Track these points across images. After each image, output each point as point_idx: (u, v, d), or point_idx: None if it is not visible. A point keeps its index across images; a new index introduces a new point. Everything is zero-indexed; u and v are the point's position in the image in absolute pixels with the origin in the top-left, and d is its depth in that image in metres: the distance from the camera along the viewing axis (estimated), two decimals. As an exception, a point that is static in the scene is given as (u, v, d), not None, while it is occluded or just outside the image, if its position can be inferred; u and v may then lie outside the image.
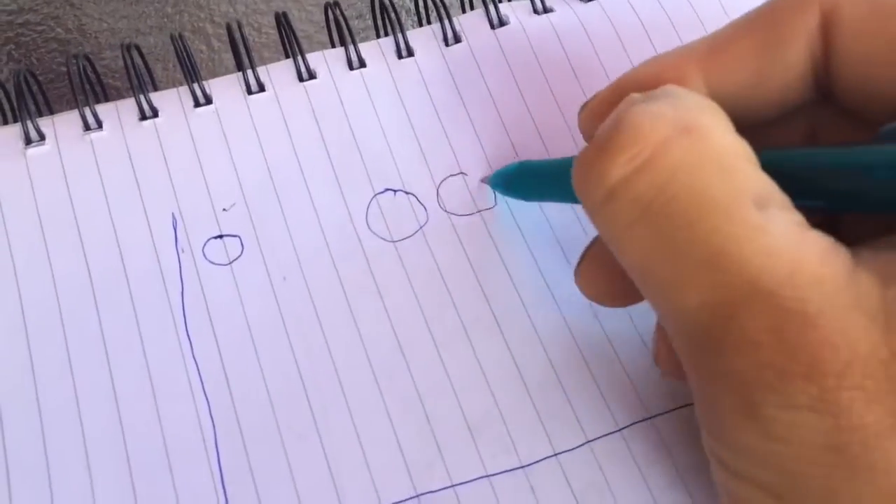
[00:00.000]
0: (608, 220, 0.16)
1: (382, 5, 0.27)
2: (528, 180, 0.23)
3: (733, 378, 0.15)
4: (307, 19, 0.31)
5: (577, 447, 0.22)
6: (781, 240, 0.15)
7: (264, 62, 0.26)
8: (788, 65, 0.18)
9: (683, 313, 0.16)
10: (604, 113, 0.17)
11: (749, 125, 0.17)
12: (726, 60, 0.18)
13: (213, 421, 0.22)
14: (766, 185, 0.15)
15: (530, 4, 0.27)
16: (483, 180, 0.25)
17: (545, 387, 0.22)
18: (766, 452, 0.15)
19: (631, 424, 0.22)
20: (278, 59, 0.26)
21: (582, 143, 0.25)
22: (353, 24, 0.31)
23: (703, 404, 0.17)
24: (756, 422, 0.15)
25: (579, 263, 0.21)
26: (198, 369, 0.22)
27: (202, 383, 0.22)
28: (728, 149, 0.15)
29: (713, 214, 0.15)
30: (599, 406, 0.22)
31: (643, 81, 0.18)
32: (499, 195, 0.25)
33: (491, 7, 0.27)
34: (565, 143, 0.26)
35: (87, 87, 0.25)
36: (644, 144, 0.15)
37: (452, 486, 0.21)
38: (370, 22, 0.28)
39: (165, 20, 0.31)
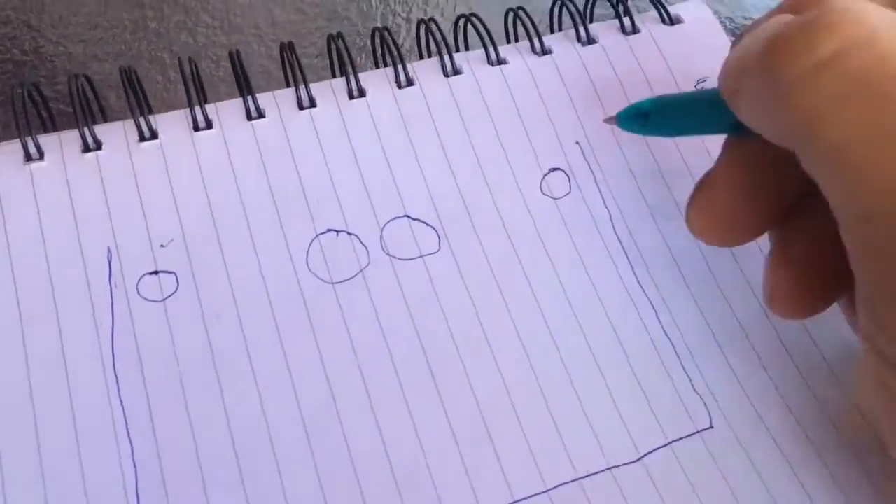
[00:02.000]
0: (811, 93, 0.16)
1: (338, 46, 0.27)
2: (665, 112, 0.23)
3: None
4: (267, 55, 0.31)
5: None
6: None
7: (220, 96, 0.26)
8: None
9: (884, 188, 0.15)
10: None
11: None
12: None
13: (135, 465, 0.21)
14: None
15: (485, 56, 0.27)
16: (608, 119, 0.24)
17: (476, 442, 0.22)
18: None
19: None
20: (234, 94, 0.26)
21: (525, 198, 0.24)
22: (314, 62, 0.31)
23: (877, 294, 0.16)
24: None
25: (691, 200, 0.21)
26: (123, 410, 0.22)
27: (126, 425, 0.21)
28: None
29: None
30: (528, 461, 0.22)
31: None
32: (442, 236, 0.25)
33: (446, 57, 0.27)
34: (512, 193, 0.25)
35: (35, 114, 0.24)
36: (863, 25, 0.16)
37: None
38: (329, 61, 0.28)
39: (123, 47, 0.31)
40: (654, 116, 0.23)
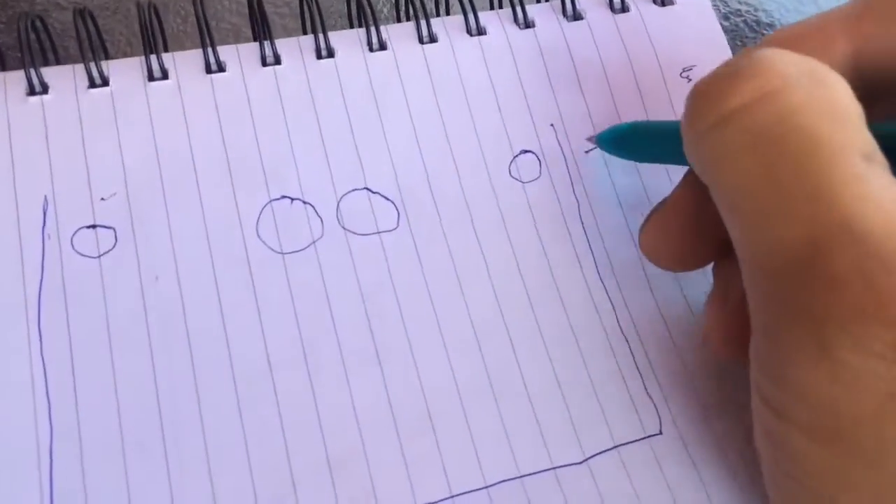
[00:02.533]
0: (717, 144, 0.17)
1: (309, 4, 0.25)
2: (640, 139, 0.23)
3: (810, 315, 0.15)
4: (238, 11, 0.30)
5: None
6: (880, 191, 0.15)
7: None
8: None
9: (774, 243, 0.16)
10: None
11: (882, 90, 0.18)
12: (872, 26, 0.19)
13: (51, 424, 0.20)
14: (872, 145, 0.16)
15: (464, 23, 0.26)
16: (589, 138, 0.25)
17: (417, 431, 0.21)
18: (826, 395, 0.15)
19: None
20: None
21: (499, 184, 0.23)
22: (286, 22, 0.30)
23: (767, 343, 0.17)
24: (823, 363, 0.15)
25: (644, 224, 0.21)
26: (44, 368, 0.20)
27: (46, 383, 0.20)
28: (846, 103, 0.16)
29: (822, 156, 0.15)
30: (470, 456, 0.21)
31: (787, 41, 0.19)
32: (402, 212, 0.23)
33: (422, 21, 0.26)
34: (479, 174, 0.24)
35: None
36: (773, 78, 0.16)
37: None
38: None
39: (89, -5, 0.30)
40: (631, 141, 0.23)
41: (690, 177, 0.20)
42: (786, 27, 0.20)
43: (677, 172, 0.25)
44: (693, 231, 0.20)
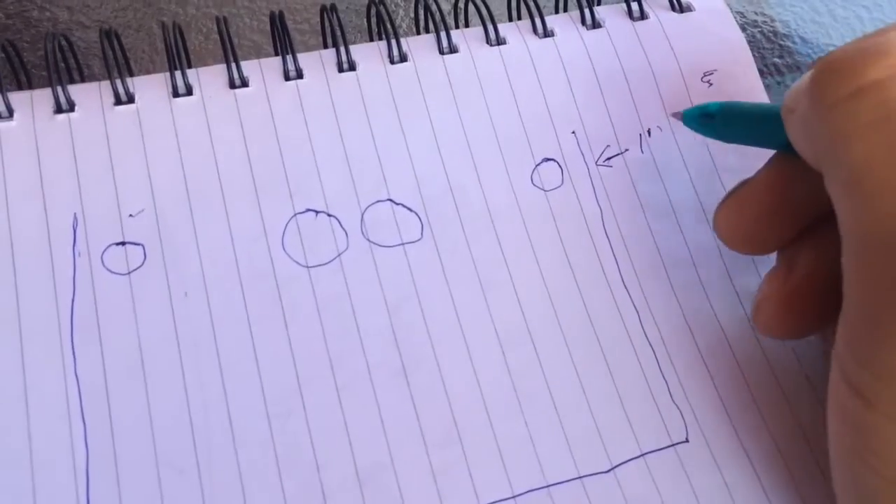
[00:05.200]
0: (846, 116, 0.17)
1: (331, 19, 0.26)
2: (729, 118, 0.23)
3: None
4: (259, 29, 0.30)
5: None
6: None
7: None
8: None
9: (891, 220, 0.16)
10: None
11: None
12: None
13: (86, 446, 0.20)
14: None
15: (483, 34, 0.26)
16: (675, 114, 0.25)
17: (444, 441, 0.21)
18: None
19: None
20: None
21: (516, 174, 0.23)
22: (306, 39, 0.30)
23: (861, 322, 0.16)
24: None
25: (723, 202, 0.21)
26: (78, 388, 0.21)
27: (81, 404, 0.21)
28: None
29: None
30: (497, 466, 0.21)
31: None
32: (425, 223, 0.23)
33: (442, 33, 0.26)
34: (501, 183, 0.24)
35: (13, 75, 0.23)
36: None
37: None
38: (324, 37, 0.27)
39: (110, 14, 0.30)
40: (719, 120, 0.23)
41: (778, 160, 0.20)
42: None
43: (701, 180, 0.25)
44: (774, 214, 0.20)
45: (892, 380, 0.16)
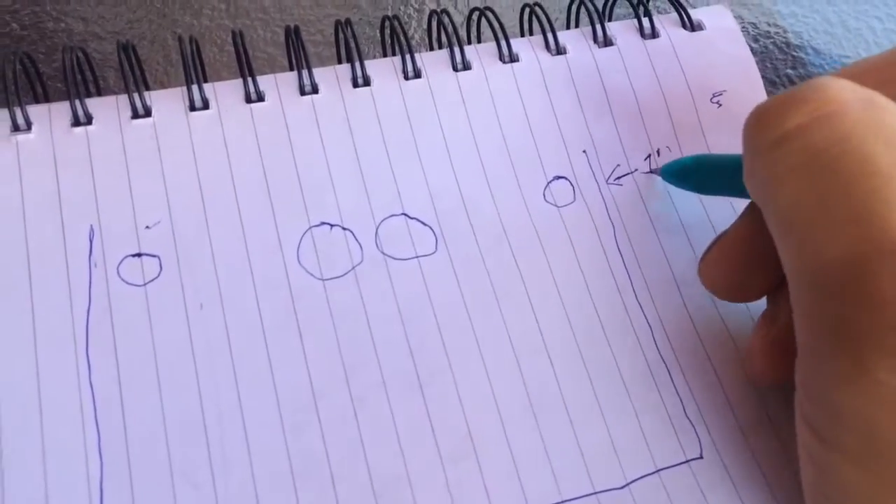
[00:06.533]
0: (773, 162, 0.17)
1: (345, 33, 0.26)
2: (703, 172, 0.24)
3: (850, 333, 0.15)
4: (272, 41, 0.30)
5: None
6: None
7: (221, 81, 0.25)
8: None
9: (822, 261, 0.16)
10: None
11: None
12: None
13: (100, 456, 0.20)
14: None
15: (496, 50, 0.26)
16: (654, 171, 0.25)
17: (457, 457, 0.21)
18: (864, 417, 0.15)
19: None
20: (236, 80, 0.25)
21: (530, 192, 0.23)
22: (320, 51, 0.30)
23: (810, 363, 0.17)
24: (861, 382, 0.15)
25: (705, 255, 0.22)
26: (93, 397, 0.21)
27: (95, 413, 0.21)
28: None
29: (874, 178, 0.16)
30: (512, 480, 0.21)
31: (852, 74, 0.19)
32: (439, 237, 0.24)
33: (455, 49, 0.26)
34: (514, 198, 0.25)
35: (29, 88, 0.24)
36: (828, 101, 0.17)
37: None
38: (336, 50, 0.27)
39: (125, 26, 0.30)
40: (694, 173, 0.24)
41: (752, 208, 0.21)
42: (857, 61, 0.21)
43: (710, 198, 0.25)
44: (752, 262, 0.21)
45: (844, 420, 0.16)
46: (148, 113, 0.24)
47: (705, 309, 0.24)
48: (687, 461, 0.21)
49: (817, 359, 0.16)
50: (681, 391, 0.22)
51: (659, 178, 0.25)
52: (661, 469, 0.21)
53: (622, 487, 0.21)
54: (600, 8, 0.27)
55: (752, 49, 0.27)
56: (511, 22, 0.28)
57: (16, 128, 0.23)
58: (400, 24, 0.26)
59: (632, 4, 0.28)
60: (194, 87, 0.24)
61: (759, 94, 0.27)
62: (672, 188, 0.25)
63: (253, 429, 0.21)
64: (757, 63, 0.27)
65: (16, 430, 0.20)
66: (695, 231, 0.25)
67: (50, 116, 0.24)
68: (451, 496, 0.21)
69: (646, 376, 0.22)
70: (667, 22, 0.28)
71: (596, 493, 0.21)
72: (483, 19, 0.27)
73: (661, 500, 0.21)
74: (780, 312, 0.21)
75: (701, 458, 0.22)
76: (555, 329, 0.23)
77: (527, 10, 0.28)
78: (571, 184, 0.25)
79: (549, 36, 0.27)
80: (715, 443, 0.22)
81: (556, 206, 0.25)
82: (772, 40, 0.32)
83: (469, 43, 0.28)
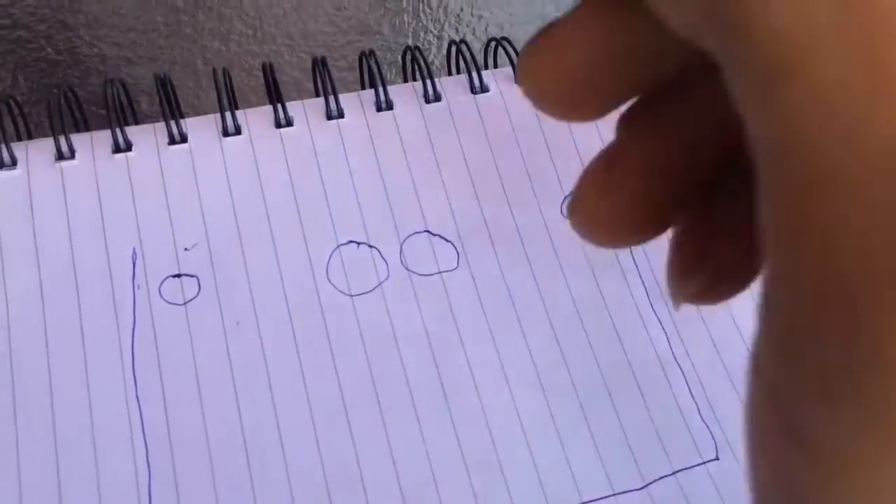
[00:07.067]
0: None
1: (370, 64, 0.27)
2: None
3: None
4: (298, 66, 0.32)
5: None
6: None
7: (250, 105, 0.26)
8: None
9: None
10: None
11: None
12: None
13: (149, 466, 0.21)
14: None
15: (513, 74, 0.28)
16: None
17: (484, 463, 0.22)
18: None
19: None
20: (264, 104, 0.26)
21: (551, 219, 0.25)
22: (344, 75, 0.32)
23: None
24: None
25: (528, 46, 0.12)
26: (140, 410, 0.22)
27: (142, 426, 0.22)
28: None
29: None
30: (534, 485, 0.22)
31: None
32: (461, 253, 0.25)
33: (474, 73, 0.27)
34: (532, 213, 0.26)
35: (69, 114, 0.25)
36: None
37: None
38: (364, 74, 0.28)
39: (157, 51, 0.32)
40: None
41: None
42: None
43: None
44: (600, 65, 0.11)
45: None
46: (184, 139, 0.25)
47: (719, 315, 0.25)
48: (703, 462, 0.23)
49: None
50: (696, 394, 0.23)
51: None
52: (678, 471, 0.22)
53: (641, 489, 0.22)
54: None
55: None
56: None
57: (60, 156, 0.25)
58: (421, 53, 0.27)
59: None
60: (227, 114, 0.26)
61: None
62: None
63: (289, 440, 0.22)
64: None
65: (71, 444, 0.21)
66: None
67: (92, 144, 0.25)
68: (476, 502, 0.22)
69: (661, 381, 0.24)
70: None
71: (615, 494, 0.22)
72: (500, 48, 0.28)
73: (678, 501, 0.22)
74: (632, 154, 0.12)
75: (717, 459, 0.23)
76: (572, 340, 0.24)
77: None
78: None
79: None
80: (731, 444, 0.23)
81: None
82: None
83: (486, 67, 0.29)
